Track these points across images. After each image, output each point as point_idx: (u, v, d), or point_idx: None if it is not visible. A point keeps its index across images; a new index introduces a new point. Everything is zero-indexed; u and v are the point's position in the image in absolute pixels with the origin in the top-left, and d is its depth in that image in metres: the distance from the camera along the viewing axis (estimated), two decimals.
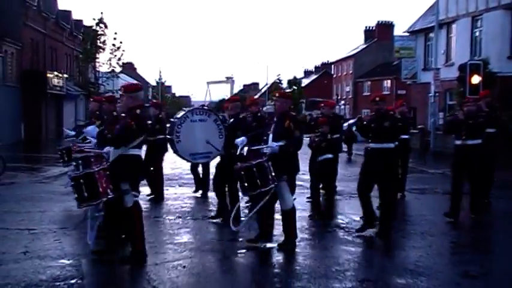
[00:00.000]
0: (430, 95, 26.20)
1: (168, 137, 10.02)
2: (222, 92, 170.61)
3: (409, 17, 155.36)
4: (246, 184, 7.20)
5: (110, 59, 29.56)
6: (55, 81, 35.64)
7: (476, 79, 18.55)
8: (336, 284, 6.00)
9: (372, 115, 8.53)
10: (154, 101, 13.91)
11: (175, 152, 9.63)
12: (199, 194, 12.09)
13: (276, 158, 7.19)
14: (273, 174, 7.15)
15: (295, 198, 7.60)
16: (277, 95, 7.88)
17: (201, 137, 8.96)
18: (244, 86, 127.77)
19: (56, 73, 36.22)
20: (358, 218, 9.63)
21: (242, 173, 7.23)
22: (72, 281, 5.96)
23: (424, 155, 24.47)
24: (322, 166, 9.75)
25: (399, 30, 63.19)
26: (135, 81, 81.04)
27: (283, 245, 7.38)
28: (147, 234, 8.28)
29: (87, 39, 30.67)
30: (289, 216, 7.42)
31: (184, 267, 6.60)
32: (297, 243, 7.80)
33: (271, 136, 7.41)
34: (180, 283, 6.06)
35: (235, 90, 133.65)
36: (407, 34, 34.49)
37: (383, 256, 7.34)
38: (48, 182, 14.11)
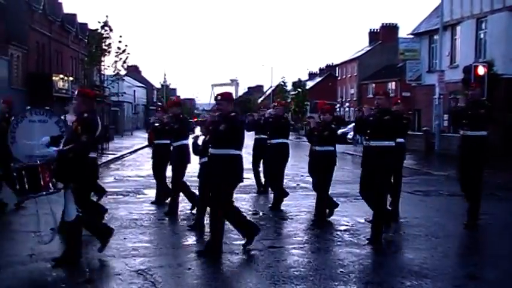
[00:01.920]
0: (435, 97, 26.18)
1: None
2: None
3: (413, 19, 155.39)
4: (17, 187, 6.72)
5: (115, 62, 29.49)
6: (60, 84, 35.78)
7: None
8: (341, 286, 6.00)
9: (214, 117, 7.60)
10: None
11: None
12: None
13: (63, 165, 6.61)
14: (53, 180, 6.64)
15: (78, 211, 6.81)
16: (76, 92, 7.02)
17: (40, 139, 7.81)
18: (249, 88, 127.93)
19: (61, 76, 36.36)
20: (362, 220, 9.65)
21: (14, 174, 6.73)
22: (78, 284, 5.98)
23: (429, 157, 24.46)
24: (201, 168, 9.00)
25: (404, 33, 62.86)
26: (139, 84, 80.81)
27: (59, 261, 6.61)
28: (152, 237, 8.32)
29: (92, 42, 30.65)
30: (69, 229, 6.79)
31: (189, 269, 6.62)
32: (302, 245, 7.81)
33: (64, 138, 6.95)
34: (185, 285, 6.07)
35: (240, 93, 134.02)
36: (412, 36, 34.49)
37: (388, 258, 7.34)
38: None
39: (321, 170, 9.58)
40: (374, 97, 8.68)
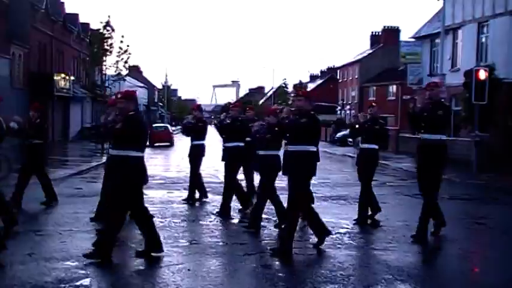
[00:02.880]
0: None
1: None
2: (227, 96, 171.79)
3: (415, 22, 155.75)
4: None
5: (116, 62, 29.57)
6: (62, 83, 35.82)
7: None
8: None
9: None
10: (36, 104, 11.99)
11: None
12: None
13: None
14: None
15: None
16: None
17: None
18: (250, 89, 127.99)
19: (62, 75, 36.40)
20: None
21: None
22: (78, 283, 5.99)
23: None
24: None
25: (405, 36, 63.04)
26: (140, 84, 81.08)
27: None
28: None
29: (94, 42, 30.74)
30: None
31: (189, 270, 6.63)
32: (300, 248, 7.81)
33: None
34: (185, 286, 6.07)
35: (241, 94, 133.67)
36: (413, 39, 34.49)
37: (387, 261, 7.33)
38: (54, 184, 14.09)
39: (264, 176, 9.03)
40: (294, 98, 8.03)
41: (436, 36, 29.50)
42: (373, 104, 10.73)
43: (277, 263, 7.09)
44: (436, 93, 8.52)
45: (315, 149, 7.51)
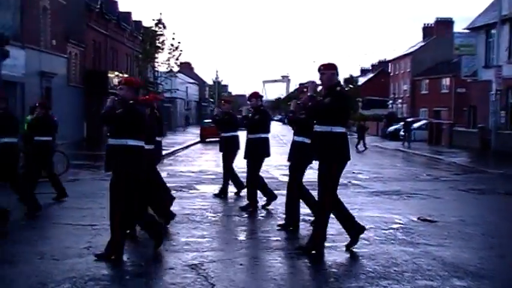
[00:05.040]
0: (492, 93, 25.50)
1: None
2: (277, 91, 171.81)
3: (469, 13, 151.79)
4: None
5: (168, 59, 30.07)
6: (116, 80, 36.61)
7: None
8: (395, 285, 5.93)
9: None
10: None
11: None
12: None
13: None
14: None
15: None
16: None
17: None
18: (300, 84, 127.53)
19: (116, 73, 37.21)
20: (415, 218, 9.49)
21: None
22: (134, 277, 6.12)
23: (484, 154, 23.85)
24: None
25: (459, 27, 61.65)
26: (191, 81, 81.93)
27: None
28: (204, 232, 8.41)
29: (146, 39, 31.33)
30: None
31: (241, 264, 6.67)
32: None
33: None
34: (238, 280, 6.11)
35: (291, 89, 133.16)
36: (468, 31, 33.65)
37: (443, 257, 7.19)
38: (109, 179, 14.44)
39: None
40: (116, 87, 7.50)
41: (492, 26, 28.68)
42: (305, 89, 8.69)
43: (330, 258, 7.05)
44: (329, 77, 7.03)
45: (137, 144, 6.71)
